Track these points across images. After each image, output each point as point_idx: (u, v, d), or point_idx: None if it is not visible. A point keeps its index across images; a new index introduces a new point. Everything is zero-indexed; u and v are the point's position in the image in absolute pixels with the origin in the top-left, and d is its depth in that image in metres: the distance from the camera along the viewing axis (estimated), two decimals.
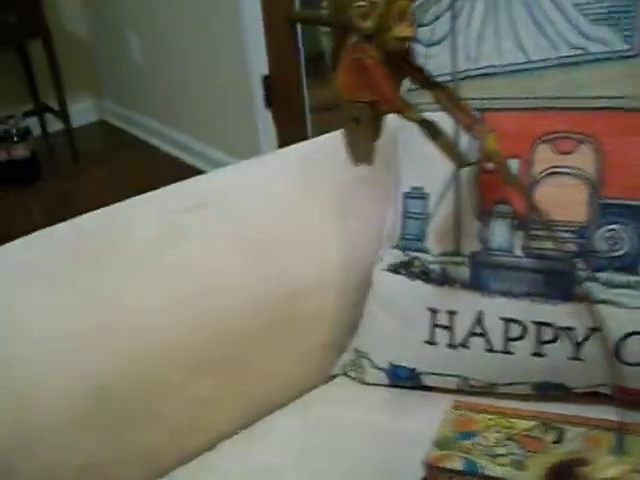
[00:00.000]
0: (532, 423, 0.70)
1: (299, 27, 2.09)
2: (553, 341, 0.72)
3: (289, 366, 0.86)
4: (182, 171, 2.69)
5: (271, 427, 0.80)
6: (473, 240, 0.74)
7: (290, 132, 2.17)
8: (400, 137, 0.82)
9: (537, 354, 0.73)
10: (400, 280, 0.80)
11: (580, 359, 0.72)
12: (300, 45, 2.12)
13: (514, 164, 0.71)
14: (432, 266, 0.77)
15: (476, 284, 0.74)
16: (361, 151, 0.63)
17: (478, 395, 0.79)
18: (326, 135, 0.94)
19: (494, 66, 0.74)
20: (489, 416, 0.71)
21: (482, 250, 0.73)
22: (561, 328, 0.71)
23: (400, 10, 0.54)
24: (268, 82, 2.17)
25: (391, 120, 0.66)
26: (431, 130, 0.60)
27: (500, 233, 0.72)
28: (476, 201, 0.74)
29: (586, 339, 0.71)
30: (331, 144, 0.89)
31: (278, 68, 2.13)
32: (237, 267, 0.78)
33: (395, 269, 0.81)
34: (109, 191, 2.53)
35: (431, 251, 0.77)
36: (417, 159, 0.79)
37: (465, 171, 0.74)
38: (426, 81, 0.61)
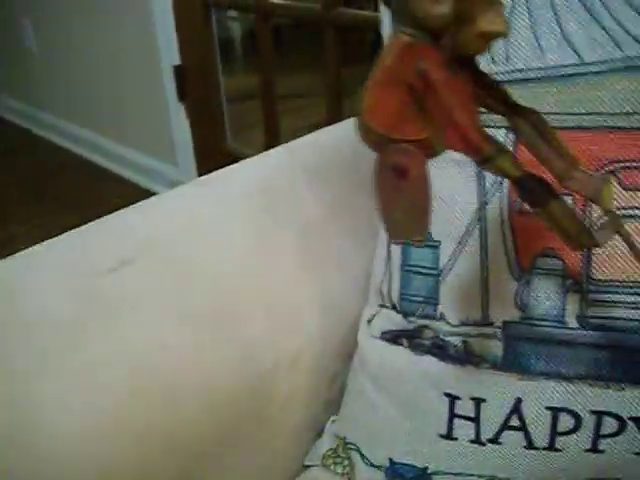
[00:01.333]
0: None
1: (213, 12, 1.83)
2: (616, 434, 0.53)
3: (258, 466, 0.64)
4: (90, 172, 2.39)
5: None
6: (508, 305, 0.54)
7: (206, 127, 1.92)
8: None
9: (594, 450, 0.54)
10: (401, 353, 0.59)
11: None
12: (215, 32, 1.86)
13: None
14: (450, 339, 0.56)
15: (512, 363, 0.54)
16: (405, 220, 0.37)
17: None
18: (279, 148, 0.71)
19: (531, 69, 0.53)
20: None
21: (521, 319, 0.53)
22: (629, 418, 0.52)
23: None
24: (180, 73, 1.90)
25: None
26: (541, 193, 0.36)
27: (546, 297, 0.53)
28: (511, 252, 0.53)
29: None
30: (290, 162, 0.67)
31: (191, 57, 1.87)
32: (184, 351, 0.55)
33: (393, 338, 0.60)
34: (7, 199, 2.20)
35: (448, 319, 0.56)
36: None
37: (494, 211, 0.53)
38: (505, 102, 0.38)
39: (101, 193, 2.16)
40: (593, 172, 0.48)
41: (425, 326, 0.58)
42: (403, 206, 0.36)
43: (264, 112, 1.71)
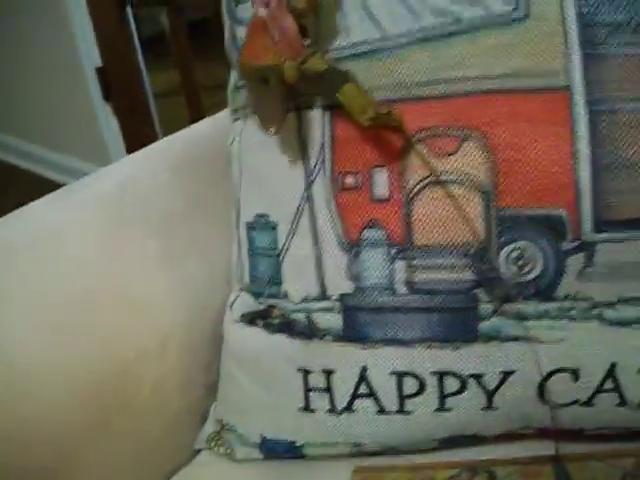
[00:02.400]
0: (455, 470, 0.57)
1: (130, 10, 1.83)
2: (459, 392, 0.55)
3: (137, 455, 0.66)
4: (21, 179, 2.38)
5: None
6: (341, 278, 0.56)
7: (134, 125, 1.93)
8: (234, 149, 0.62)
9: (442, 409, 0.56)
10: (258, 334, 0.61)
11: (494, 408, 0.55)
12: (134, 30, 1.86)
13: (380, 176, 0.53)
14: (295, 315, 0.58)
15: (353, 334, 0.56)
16: (271, 117, 0.55)
17: (377, 458, 0.62)
18: (145, 150, 0.73)
19: (339, 48, 0.54)
20: (401, 473, 0.57)
21: (354, 290, 0.55)
22: (468, 376, 0.54)
23: None
24: (103, 74, 1.90)
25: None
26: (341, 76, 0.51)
27: (374, 266, 0.54)
28: (338, 228, 0.55)
29: (499, 385, 0.54)
30: (152, 163, 0.69)
31: (111, 58, 1.87)
32: (42, 352, 0.56)
33: (250, 320, 0.62)
34: None
35: (291, 296, 0.58)
36: (259, 177, 0.60)
37: (319, 189, 0.55)
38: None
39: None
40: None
41: (273, 306, 0.60)
42: (268, 108, 0.54)
43: (188, 106, 1.72)
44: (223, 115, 0.72)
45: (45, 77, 2.15)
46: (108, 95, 1.92)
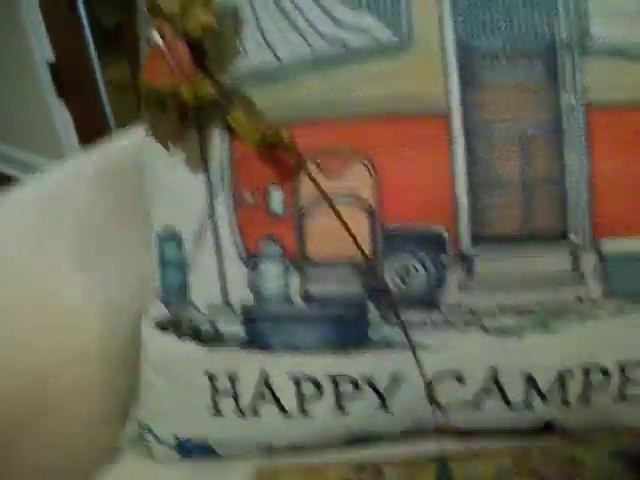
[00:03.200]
0: (345, 468, 0.61)
1: (81, 5, 1.83)
2: (354, 395, 0.59)
3: (60, 455, 0.69)
4: None
5: None
6: (243, 289, 0.59)
7: (87, 120, 1.94)
8: (145, 162, 0.65)
9: (340, 411, 0.60)
10: (169, 340, 0.64)
11: (388, 409, 0.59)
12: (86, 25, 1.87)
13: (276, 195, 0.56)
14: (202, 323, 0.61)
15: (254, 341, 0.60)
16: (167, 136, 0.59)
17: (285, 456, 0.66)
18: (69, 161, 0.76)
19: (237, 71, 0.58)
20: (298, 475, 0.61)
21: (254, 300, 0.58)
22: (360, 380, 0.58)
23: None
24: (55, 70, 1.91)
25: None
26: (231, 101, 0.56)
27: (272, 278, 0.58)
28: (239, 242, 0.58)
29: (391, 387, 0.58)
30: (75, 174, 0.72)
31: (63, 54, 1.88)
32: None
33: (162, 326, 0.65)
34: None
35: (197, 305, 0.61)
36: (166, 192, 0.63)
37: (221, 203, 0.59)
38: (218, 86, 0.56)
39: None
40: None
41: (182, 313, 0.63)
42: (164, 126, 0.58)
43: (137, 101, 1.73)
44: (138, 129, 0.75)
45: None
46: (61, 91, 1.93)
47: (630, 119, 0.54)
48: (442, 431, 0.61)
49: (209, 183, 0.60)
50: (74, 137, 1.97)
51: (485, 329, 0.57)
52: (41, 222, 0.70)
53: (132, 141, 0.80)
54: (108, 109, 1.98)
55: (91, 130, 1.91)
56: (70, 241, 0.70)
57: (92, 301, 0.69)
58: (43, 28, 1.83)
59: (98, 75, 1.91)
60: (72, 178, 0.72)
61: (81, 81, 1.92)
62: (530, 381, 0.58)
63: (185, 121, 0.56)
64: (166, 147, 0.57)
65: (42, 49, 1.89)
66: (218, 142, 0.59)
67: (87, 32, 1.84)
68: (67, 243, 0.69)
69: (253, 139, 0.52)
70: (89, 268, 0.70)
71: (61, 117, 1.98)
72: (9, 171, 2.26)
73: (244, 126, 0.52)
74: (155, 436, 0.68)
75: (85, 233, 0.70)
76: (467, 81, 0.54)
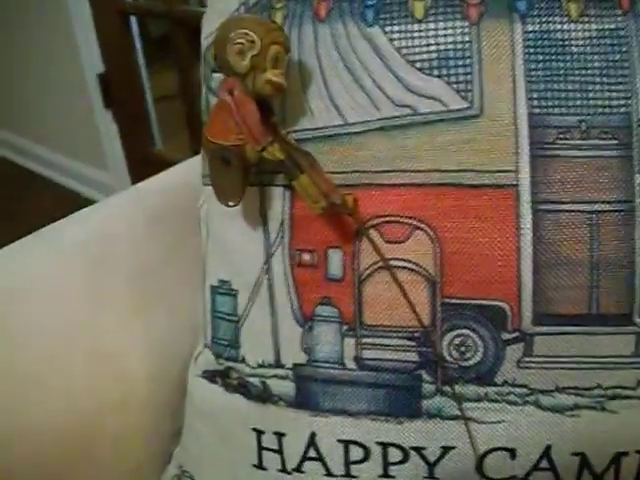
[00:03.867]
0: None
1: (134, 19, 1.85)
2: (402, 462, 0.58)
3: None
4: (23, 178, 2.41)
5: None
6: (296, 349, 0.58)
7: (134, 133, 1.95)
8: (202, 213, 0.65)
9: (385, 476, 0.59)
10: (217, 391, 0.64)
11: (435, 478, 0.58)
12: (136, 39, 1.88)
13: (335, 257, 0.56)
14: (251, 379, 0.61)
15: (304, 402, 0.59)
16: (230, 193, 0.58)
17: None
18: (124, 192, 0.75)
19: (303, 130, 0.57)
20: None
21: (307, 362, 0.58)
22: (410, 448, 0.57)
23: (275, 55, 0.53)
24: (105, 81, 1.93)
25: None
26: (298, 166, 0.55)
27: (326, 341, 0.57)
28: (294, 302, 0.58)
29: (440, 458, 0.57)
30: (128, 210, 0.71)
31: (113, 65, 1.89)
32: (8, 406, 0.59)
33: (211, 377, 0.65)
34: None
35: (248, 361, 0.61)
36: (223, 244, 0.63)
37: (278, 263, 0.58)
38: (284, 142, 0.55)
39: (38, 198, 2.18)
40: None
41: (231, 367, 0.62)
42: (227, 186, 0.58)
43: (186, 115, 1.74)
44: (196, 161, 0.74)
45: (49, 82, 2.18)
46: (109, 102, 1.95)
47: None
48: None
49: (267, 240, 0.59)
50: (119, 148, 1.98)
51: (541, 406, 0.55)
52: (91, 262, 0.69)
53: (183, 176, 0.80)
54: (154, 119, 1.99)
55: (136, 143, 1.93)
56: (120, 282, 0.69)
57: (140, 346, 0.69)
58: (94, 39, 1.84)
59: (146, 86, 1.92)
60: (127, 216, 0.72)
61: (128, 92, 1.93)
62: (584, 461, 0.56)
63: (246, 179, 0.56)
64: (226, 204, 0.57)
65: (92, 60, 1.91)
66: (279, 199, 0.58)
67: (137, 43, 1.85)
68: (117, 285, 0.69)
69: (319, 207, 0.51)
70: (140, 311, 0.70)
71: (107, 128, 1.99)
72: (56, 178, 2.29)
73: (311, 193, 0.52)
74: None
75: (138, 275, 0.70)
76: (538, 156, 0.53)
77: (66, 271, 0.68)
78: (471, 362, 0.55)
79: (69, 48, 2.02)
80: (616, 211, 0.53)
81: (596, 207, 0.53)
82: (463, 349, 0.55)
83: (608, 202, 0.53)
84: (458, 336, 0.55)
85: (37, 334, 0.64)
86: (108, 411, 0.66)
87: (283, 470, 0.62)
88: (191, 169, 0.80)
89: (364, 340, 0.57)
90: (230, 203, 0.58)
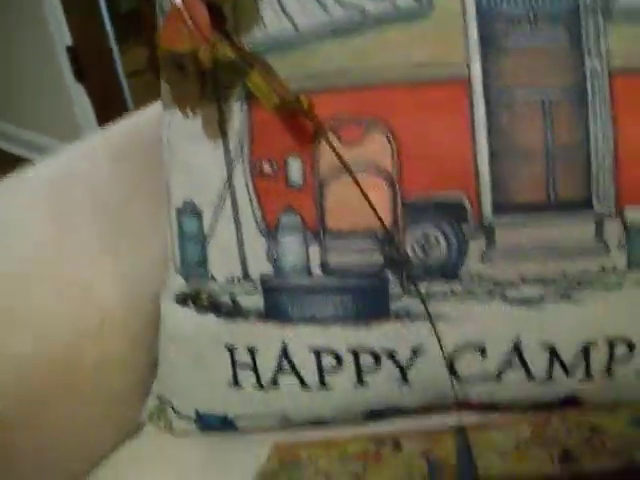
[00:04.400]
0: (364, 442, 0.60)
1: None
2: (375, 368, 0.58)
3: (82, 429, 0.69)
4: None
5: None
6: (261, 260, 0.58)
7: (106, 104, 1.94)
8: (164, 137, 0.65)
9: (360, 384, 0.59)
10: (189, 314, 0.64)
11: (409, 382, 0.59)
12: (104, 11, 1.87)
13: (295, 165, 0.56)
14: (221, 296, 0.61)
15: (273, 313, 0.59)
16: (187, 100, 0.58)
17: (305, 429, 0.66)
18: (94, 135, 0.75)
19: (255, 39, 0.57)
20: (316, 449, 0.60)
21: (273, 272, 0.58)
22: (381, 352, 0.58)
23: None
24: (74, 54, 1.92)
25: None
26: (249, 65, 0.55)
27: (291, 250, 0.57)
28: (257, 213, 0.58)
29: (412, 361, 0.58)
30: (94, 152, 0.71)
31: (82, 38, 1.88)
32: None
33: (182, 300, 0.65)
34: None
35: (216, 277, 0.61)
36: (185, 165, 0.63)
37: (239, 176, 0.58)
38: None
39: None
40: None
41: (201, 287, 0.63)
42: (184, 93, 0.58)
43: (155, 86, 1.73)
44: (155, 107, 0.74)
45: (18, 57, 2.16)
46: (80, 75, 1.93)
47: None
48: (462, 405, 0.61)
49: (227, 154, 0.59)
50: (93, 121, 1.97)
51: (507, 300, 0.56)
52: (57, 200, 0.69)
53: (149, 118, 0.80)
54: (127, 94, 1.98)
55: (110, 114, 1.91)
56: (87, 219, 0.69)
57: (112, 278, 0.69)
58: (62, 12, 1.83)
59: (117, 59, 1.91)
60: (92, 158, 0.72)
61: (99, 65, 1.92)
62: (553, 353, 0.57)
63: (203, 86, 0.56)
64: (185, 113, 0.57)
65: (61, 33, 1.89)
66: (237, 112, 0.58)
67: (105, 17, 1.84)
68: (84, 221, 0.69)
69: (272, 102, 0.52)
70: (108, 245, 0.69)
71: (80, 101, 1.98)
72: (27, 155, 2.27)
73: (263, 89, 0.52)
74: (175, 410, 0.68)
75: (103, 210, 0.70)
76: (488, 47, 0.53)
77: (32, 206, 0.68)
78: (434, 258, 0.56)
79: (37, 21, 2.00)
80: (568, 96, 0.53)
81: (548, 94, 0.53)
82: (427, 247, 0.56)
83: (560, 88, 0.53)
84: (420, 233, 0.55)
85: (6, 265, 0.64)
86: (86, 339, 0.66)
87: (258, 385, 0.63)
88: (158, 109, 0.80)
89: (329, 245, 0.57)
90: (189, 112, 0.57)
